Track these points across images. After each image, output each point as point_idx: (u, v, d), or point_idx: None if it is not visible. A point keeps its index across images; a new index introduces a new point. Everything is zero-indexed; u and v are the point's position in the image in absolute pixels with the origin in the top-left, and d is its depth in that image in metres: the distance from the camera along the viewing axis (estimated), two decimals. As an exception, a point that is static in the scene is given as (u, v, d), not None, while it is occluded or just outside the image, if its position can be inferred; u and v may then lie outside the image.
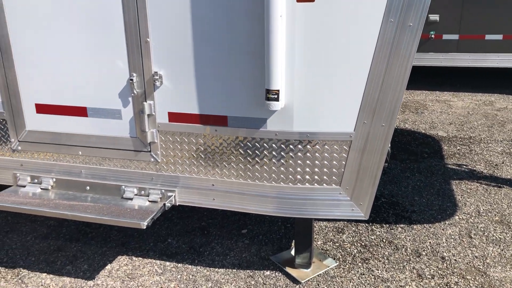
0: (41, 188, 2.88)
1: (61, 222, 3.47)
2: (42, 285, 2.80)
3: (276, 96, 2.28)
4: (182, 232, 3.32)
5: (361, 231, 3.26)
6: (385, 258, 2.97)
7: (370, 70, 2.24)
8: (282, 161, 2.46)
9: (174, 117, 2.56)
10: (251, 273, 2.85)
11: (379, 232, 3.26)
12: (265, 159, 2.49)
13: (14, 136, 2.86)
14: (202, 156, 2.59)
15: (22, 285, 2.81)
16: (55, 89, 2.69)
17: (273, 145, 2.45)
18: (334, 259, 2.97)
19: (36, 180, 2.91)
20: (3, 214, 3.57)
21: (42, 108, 2.75)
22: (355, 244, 3.12)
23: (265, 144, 2.46)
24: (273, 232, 3.28)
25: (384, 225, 3.33)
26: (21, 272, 2.92)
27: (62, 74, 2.64)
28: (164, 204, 2.64)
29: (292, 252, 2.97)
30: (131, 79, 2.52)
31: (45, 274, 2.90)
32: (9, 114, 2.81)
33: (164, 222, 3.45)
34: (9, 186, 2.97)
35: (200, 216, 3.51)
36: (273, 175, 2.50)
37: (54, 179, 2.87)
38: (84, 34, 2.54)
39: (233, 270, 2.89)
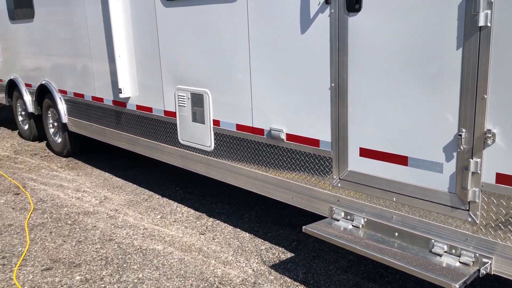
0: (353, 225, 3.11)
1: (360, 259, 3.66)
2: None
3: None
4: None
5: None
6: None
7: None
8: None
9: (503, 178, 2.38)
10: None
11: None
12: None
13: (336, 174, 3.18)
14: (532, 226, 2.31)
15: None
16: (379, 136, 2.88)
17: None
18: None
19: (349, 217, 3.15)
20: (312, 239, 4.00)
21: (365, 152, 2.98)
22: None
23: None
24: None
25: None
26: (323, 298, 3.20)
27: (387, 121, 2.81)
28: (478, 270, 2.46)
29: None
30: (460, 134, 2.47)
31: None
32: (336, 154, 3.15)
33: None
34: (324, 217, 3.32)
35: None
36: None
37: (365, 219, 3.05)
38: (415, 83, 2.64)
39: None
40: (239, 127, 3.81)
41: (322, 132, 3.18)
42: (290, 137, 3.42)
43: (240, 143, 3.84)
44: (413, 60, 2.62)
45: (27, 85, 7.25)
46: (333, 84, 3.04)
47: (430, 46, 2.54)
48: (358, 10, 2.80)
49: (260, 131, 3.64)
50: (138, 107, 4.92)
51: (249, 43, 3.53)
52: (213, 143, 4.11)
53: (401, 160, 2.80)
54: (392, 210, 2.90)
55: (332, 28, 2.96)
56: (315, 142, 3.25)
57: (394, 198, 2.87)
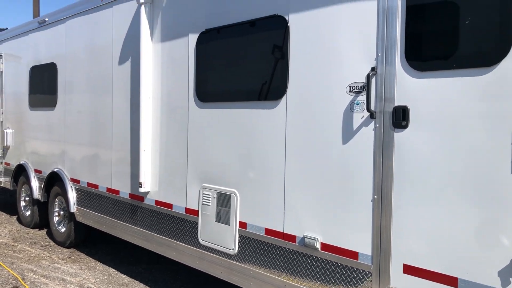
0: None
1: None
2: None
3: None
4: None
5: None
6: None
7: None
8: None
9: None
10: None
11: None
12: None
13: (375, 290, 3.04)
14: None
15: None
16: (425, 253, 2.80)
17: None
18: None
19: (390, 338, 2.96)
20: None
21: (409, 269, 2.88)
22: None
23: None
24: None
25: None
26: None
27: (435, 238, 2.75)
28: None
29: None
30: (517, 259, 2.41)
31: None
32: (376, 268, 3.04)
33: None
34: (360, 336, 3.11)
35: None
36: None
37: None
38: (466, 203, 2.62)
39: None
40: (268, 231, 3.72)
41: (362, 244, 3.10)
42: (325, 247, 3.32)
43: (268, 248, 3.72)
44: (464, 180, 2.64)
45: (37, 171, 7.18)
46: (376, 196, 3.02)
47: (482, 168, 2.56)
48: (405, 127, 2.87)
49: (291, 238, 3.54)
50: (157, 202, 4.84)
51: (286, 148, 3.57)
52: (237, 246, 3.97)
53: (450, 281, 2.69)
54: (440, 334, 2.73)
55: (376, 141, 3.01)
56: (353, 255, 3.15)
57: (443, 322, 2.72)
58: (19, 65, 7.74)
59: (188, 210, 4.47)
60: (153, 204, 4.89)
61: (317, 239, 3.36)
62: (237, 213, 3.97)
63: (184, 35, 4.47)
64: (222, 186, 4.11)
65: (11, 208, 8.85)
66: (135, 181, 5.10)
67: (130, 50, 5.18)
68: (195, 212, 4.37)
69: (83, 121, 6.05)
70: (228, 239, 4.04)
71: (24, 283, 5.21)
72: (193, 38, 4.36)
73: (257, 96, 3.77)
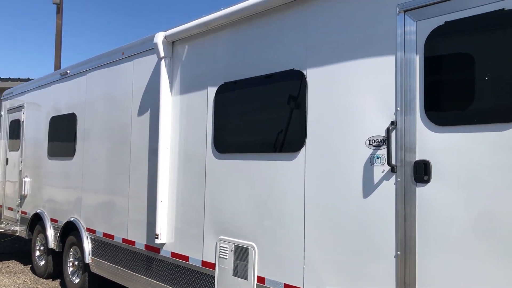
0: None
1: None
2: None
3: None
4: None
5: None
6: None
7: None
8: None
9: None
10: None
11: None
12: None
13: None
14: None
15: None
16: (452, 313, 2.69)
17: None
18: None
19: None
20: None
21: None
22: None
23: None
24: None
25: None
26: None
27: (463, 299, 2.65)
28: None
29: None
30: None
31: None
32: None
33: None
34: None
35: None
36: None
37: None
38: (494, 258, 2.54)
39: None
40: (288, 287, 3.62)
41: (386, 302, 3.00)
42: (347, 304, 3.22)
43: (288, 305, 3.61)
44: (489, 234, 2.57)
45: (53, 220, 7.19)
46: (399, 252, 2.95)
47: (503, 218, 2.50)
48: (427, 181, 2.84)
49: (312, 294, 3.44)
50: (173, 254, 4.78)
51: (305, 200, 3.53)
52: (255, 301, 3.87)
53: None
54: None
55: (398, 196, 2.97)
56: (377, 313, 3.04)
57: None
58: (39, 115, 7.93)
59: (204, 263, 4.39)
60: (169, 256, 4.83)
61: (339, 296, 3.26)
62: (255, 267, 3.89)
63: (203, 88, 4.56)
64: (240, 238, 4.06)
65: (26, 257, 8.81)
66: (151, 231, 5.07)
67: (149, 101, 5.29)
68: (212, 265, 4.30)
69: (100, 171, 6.10)
70: (245, 294, 3.95)
71: (36, 337, 5.10)
72: (212, 91, 4.45)
73: (275, 148, 3.78)
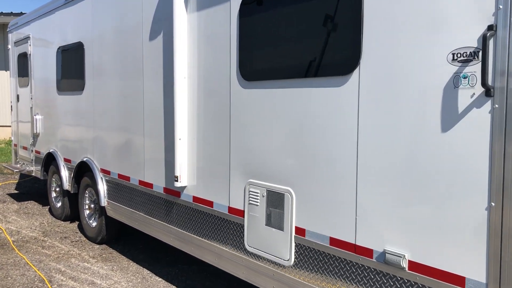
0: None
1: None
2: None
3: None
4: None
5: None
6: None
7: None
8: None
9: None
10: None
11: None
12: None
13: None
14: None
15: None
16: None
17: None
18: None
19: None
20: None
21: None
22: None
23: None
24: None
25: None
26: None
27: None
28: None
29: None
30: None
31: None
32: (492, 301, 2.24)
33: None
34: None
35: None
36: None
37: None
38: None
39: None
40: (335, 242, 2.96)
41: (472, 267, 2.30)
42: (415, 266, 2.54)
43: (335, 263, 2.97)
44: None
45: (66, 160, 6.66)
46: (493, 204, 2.21)
47: None
48: (543, 107, 2.03)
49: (367, 252, 2.77)
50: (195, 199, 4.16)
51: (358, 135, 2.78)
52: (293, 257, 3.24)
53: None
54: None
55: (495, 129, 2.18)
56: (458, 280, 2.36)
57: None
58: (46, 46, 7.20)
59: (231, 210, 3.76)
60: (191, 201, 4.21)
61: (404, 255, 2.57)
62: (293, 217, 3.23)
63: (225, 1, 3.71)
64: (274, 183, 3.37)
65: (44, 198, 8.45)
66: (170, 173, 4.44)
67: (162, 22, 4.47)
68: (241, 213, 3.66)
69: (112, 106, 5.42)
70: (281, 248, 3.32)
71: (51, 286, 4.68)
72: (236, 3, 3.60)
73: (319, 72, 2.98)
